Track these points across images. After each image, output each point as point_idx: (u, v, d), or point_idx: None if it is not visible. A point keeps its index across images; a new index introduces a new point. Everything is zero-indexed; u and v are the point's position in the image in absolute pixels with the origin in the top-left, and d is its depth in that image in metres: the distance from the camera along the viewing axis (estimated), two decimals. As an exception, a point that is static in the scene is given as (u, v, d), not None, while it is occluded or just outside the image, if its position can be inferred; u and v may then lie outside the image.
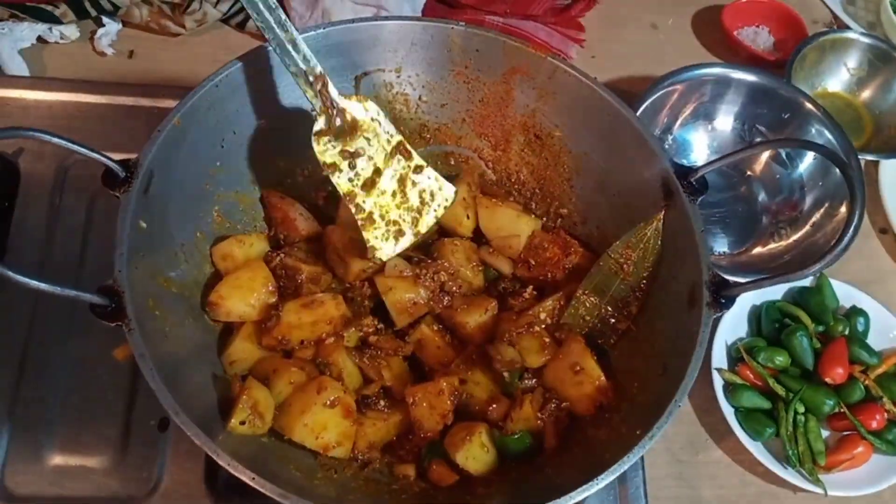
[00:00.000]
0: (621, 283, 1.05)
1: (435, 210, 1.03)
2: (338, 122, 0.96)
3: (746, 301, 1.28)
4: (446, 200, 1.04)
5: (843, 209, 1.34)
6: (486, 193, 1.18)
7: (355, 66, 1.12)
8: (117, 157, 0.90)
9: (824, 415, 1.19)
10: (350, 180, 0.97)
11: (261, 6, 0.91)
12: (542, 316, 1.06)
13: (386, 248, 1.00)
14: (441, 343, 1.06)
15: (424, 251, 1.13)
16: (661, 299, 1.03)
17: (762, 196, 1.47)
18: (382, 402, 1.03)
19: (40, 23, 1.42)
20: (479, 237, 1.17)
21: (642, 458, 1.12)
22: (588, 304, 1.06)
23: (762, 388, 1.21)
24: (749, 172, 1.49)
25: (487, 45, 1.10)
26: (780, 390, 1.19)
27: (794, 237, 1.39)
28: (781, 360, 1.21)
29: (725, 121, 1.49)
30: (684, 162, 1.30)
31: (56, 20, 1.42)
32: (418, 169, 1.02)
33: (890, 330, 1.28)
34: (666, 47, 1.66)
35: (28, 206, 1.23)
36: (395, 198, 1.00)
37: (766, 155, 1.47)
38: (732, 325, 1.27)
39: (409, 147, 1.01)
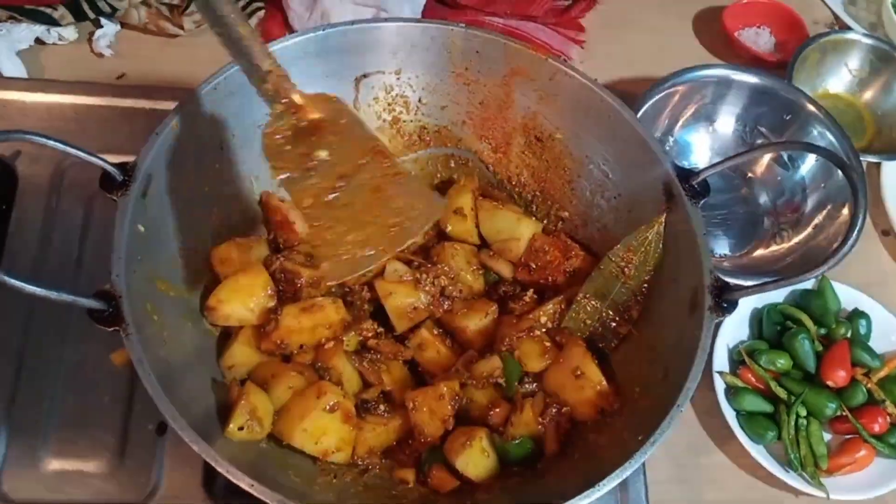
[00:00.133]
0: (622, 287, 1.05)
1: (414, 226, 0.85)
2: (297, 120, 0.85)
3: (748, 303, 1.28)
4: (433, 216, 0.89)
5: (845, 211, 1.34)
6: (487, 196, 1.18)
7: (355, 67, 1.12)
8: (115, 159, 0.89)
9: (826, 418, 1.19)
10: (306, 189, 0.84)
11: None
12: (543, 320, 1.06)
13: (341, 269, 0.82)
14: (441, 347, 1.06)
15: (424, 255, 1.13)
16: (662, 303, 1.02)
17: (763, 198, 1.47)
18: (382, 407, 1.02)
19: (38, 24, 1.41)
20: (479, 240, 1.16)
21: (643, 462, 1.12)
22: (589, 308, 1.05)
23: (764, 391, 1.20)
24: (750, 174, 1.49)
25: (488, 47, 1.09)
26: (782, 393, 1.19)
27: (796, 239, 1.38)
28: (783, 363, 1.20)
29: (726, 122, 1.49)
30: (685, 164, 1.30)
31: (54, 22, 1.41)
32: (398, 177, 0.86)
33: (892, 332, 1.27)
34: (666, 49, 1.65)
35: (25, 209, 1.22)
36: (365, 211, 0.84)
37: (767, 157, 1.47)
38: (734, 327, 1.26)
39: (387, 152, 0.88)
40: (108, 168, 0.88)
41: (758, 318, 1.28)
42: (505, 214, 1.14)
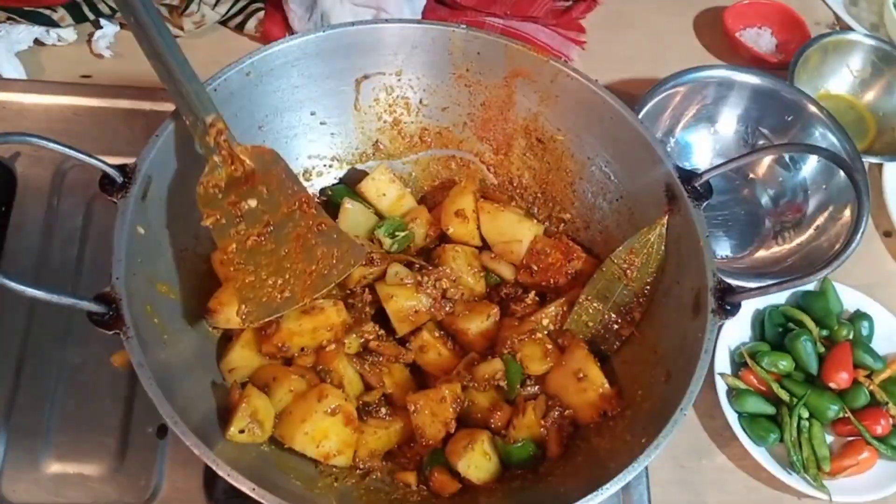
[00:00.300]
0: (624, 289, 1.05)
1: (335, 273, 0.91)
2: (233, 170, 0.91)
3: (749, 305, 1.27)
4: (351, 263, 0.93)
5: (847, 212, 1.33)
6: (488, 198, 1.17)
7: (355, 69, 1.11)
8: (115, 161, 0.89)
9: (829, 420, 1.18)
10: (231, 235, 0.91)
11: (161, 53, 0.88)
12: (545, 322, 1.05)
13: (258, 311, 0.90)
14: (443, 350, 1.05)
15: (426, 257, 1.12)
16: (664, 305, 1.02)
17: (765, 199, 1.46)
18: (384, 410, 1.02)
19: (37, 26, 1.41)
20: (480, 242, 1.16)
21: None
22: (591, 310, 1.05)
23: (766, 393, 1.20)
24: (752, 175, 1.48)
25: (488, 48, 1.09)
26: (784, 395, 1.18)
27: (798, 240, 1.38)
28: (785, 364, 1.20)
29: (728, 123, 1.48)
30: (686, 165, 1.29)
31: (53, 23, 1.41)
32: (322, 227, 0.93)
33: (895, 334, 1.27)
34: (667, 49, 1.65)
35: (25, 211, 1.21)
36: (287, 258, 0.91)
37: (768, 157, 1.46)
38: (735, 329, 1.25)
39: (314, 203, 0.94)
40: (108, 170, 0.88)
41: (759, 320, 1.28)
42: (506, 216, 1.13)
